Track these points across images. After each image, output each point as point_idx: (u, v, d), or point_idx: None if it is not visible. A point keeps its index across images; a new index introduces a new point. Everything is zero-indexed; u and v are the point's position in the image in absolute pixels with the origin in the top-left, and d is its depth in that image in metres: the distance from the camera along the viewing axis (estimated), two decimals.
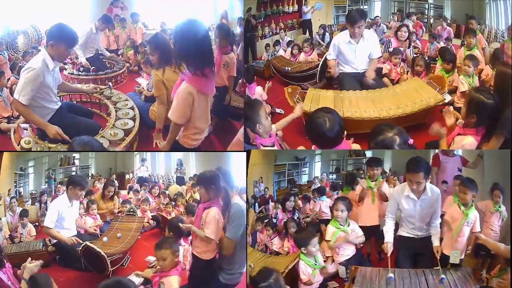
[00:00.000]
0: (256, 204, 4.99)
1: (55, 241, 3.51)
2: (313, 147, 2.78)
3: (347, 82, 4.24)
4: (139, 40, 6.35)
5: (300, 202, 4.55)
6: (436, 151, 3.71)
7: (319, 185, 5.16)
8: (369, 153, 5.39)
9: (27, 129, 3.58)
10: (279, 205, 4.61)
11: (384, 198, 3.27)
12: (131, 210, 4.56)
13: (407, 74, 4.65)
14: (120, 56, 6.17)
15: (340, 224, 3.05)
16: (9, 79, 4.62)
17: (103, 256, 3.10)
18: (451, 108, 4.11)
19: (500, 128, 2.67)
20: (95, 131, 3.50)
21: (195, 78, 2.70)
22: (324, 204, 4.15)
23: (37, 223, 4.60)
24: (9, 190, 5.09)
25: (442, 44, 5.59)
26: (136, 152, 6.35)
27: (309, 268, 2.82)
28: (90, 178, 6.17)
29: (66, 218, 3.53)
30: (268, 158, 6.00)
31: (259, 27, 6.34)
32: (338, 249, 3.03)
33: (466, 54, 4.58)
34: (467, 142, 2.74)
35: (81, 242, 3.36)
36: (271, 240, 3.92)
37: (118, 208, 4.68)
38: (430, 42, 5.67)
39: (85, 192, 3.89)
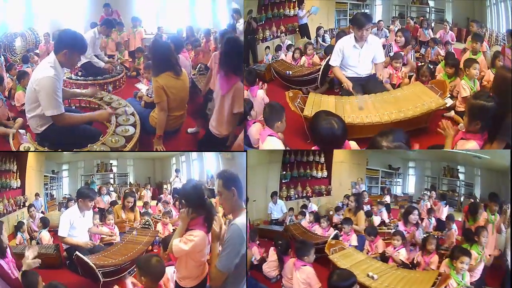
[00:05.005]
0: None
1: (66, 246, 3.74)
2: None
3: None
4: (138, 44, 6.32)
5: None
6: None
7: (427, 202, 5.16)
8: (462, 176, 5.72)
9: (26, 135, 3.55)
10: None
11: (499, 231, 3.75)
12: (147, 223, 4.54)
13: (408, 78, 4.65)
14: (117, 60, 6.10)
15: (480, 251, 3.42)
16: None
17: (91, 266, 3.16)
18: (452, 112, 4.14)
19: (502, 134, 2.69)
20: (95, 138, 3.45)
21: None
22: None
23: None
24: (36, 194, 5.23)
25: (441, 49, 5.61)
26: (174, 162, 6.49)
27: (454, 283, 3.08)
28: (128, 186, 6.24)
29: (77, 227, 3.72)
30: (357, 159, 5.97)
31: (260, 30, 6.34)
32: (475, 273, 3.33)
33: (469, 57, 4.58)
34: (469, 146, 2.78)
35: (96, 244, 3.66)
36: (397, 250, 3.78)
37: (138, 220, 4.67)
38: (431, 47, 5.67)
39: (93, 202, 3.97)
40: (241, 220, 2.30)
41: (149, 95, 4.15)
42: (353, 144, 3.04)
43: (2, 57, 5.01)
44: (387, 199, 5.73)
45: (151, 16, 6.86)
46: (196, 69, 5.32)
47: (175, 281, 2.55)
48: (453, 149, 2.91)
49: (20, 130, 3.66)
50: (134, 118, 3.86)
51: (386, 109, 3.77)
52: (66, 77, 5.10)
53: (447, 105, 4.00)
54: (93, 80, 5.16)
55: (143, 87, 4.78)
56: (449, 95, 4.19)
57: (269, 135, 3.20)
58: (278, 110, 3.25)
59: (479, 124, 2.67)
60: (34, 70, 3.40)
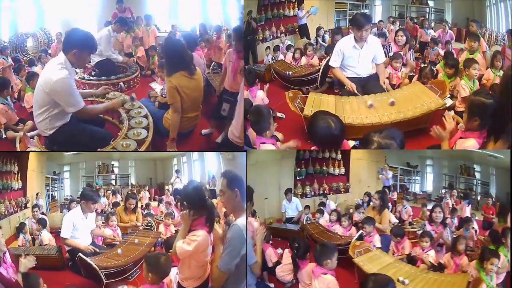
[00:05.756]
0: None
1: (68, 248, 3.71)
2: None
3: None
4: (151, 42, 6.28)
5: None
6: None
7: (448, 200, 5.05)
8: (478, 175, 5.65)
9: (33, 138, 3.51)
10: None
11: None
12: (149, 224, 4.53)
13: (408, 79, 4.65)
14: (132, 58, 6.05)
15: (507, 253, 3.39)
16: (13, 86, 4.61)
17: (94, 267, 3.16)
18: (452, 112, 4.15)
19: (506, 134, 2.72)
20: (106, 142, 3.36)
21: None
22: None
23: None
24: (37, 194, 5.21)
25: (440, 48, 5.61)
26: (175, 163, 6.45)
27: (484, 285, 3.03)
28: (130, 187, 6.22)
29: (79, 229, 3.71)
30: (376, 156, 5.90)
31: (259, 30, 6.35)
32: (500, 275, 3.27)
33: (468, 57, 4.59)
34: (468, 144, 2.81)
35: (98, 251, 3.57)
36: (426, 252, 3.57)
37: (141, 221, 4.65)
38: (431, 47, 5.67)
39: (97, 205, 3.97)
40: (242, 221, 2.34)
41: (163, 95, 4.08)
42: (352, 144, 3.06)
43: (10, 59, 4.98)
44: (394, 196, 5.66)
45: (164, 14, 6.86)
46: (210, 68, 5.25)
47: (178, 282, 2.58)
48: (452, 148, 2.92)
49: (28, 134, 3.62)
50: (147, 120, 3.76)
51: (386, 110, 3.77)
52: (79, 77, 5.05)
53: (447, 105, 4.01)
54: (106, 80, 5.07)
55: (157, 86, 4.71)
56: (449, 95, 4.20)
57: (261, 143, 3.07)
58: (265, 116, 3.02)
59: (478, 121, 2.70)
60: (42, 71, 3.33)
